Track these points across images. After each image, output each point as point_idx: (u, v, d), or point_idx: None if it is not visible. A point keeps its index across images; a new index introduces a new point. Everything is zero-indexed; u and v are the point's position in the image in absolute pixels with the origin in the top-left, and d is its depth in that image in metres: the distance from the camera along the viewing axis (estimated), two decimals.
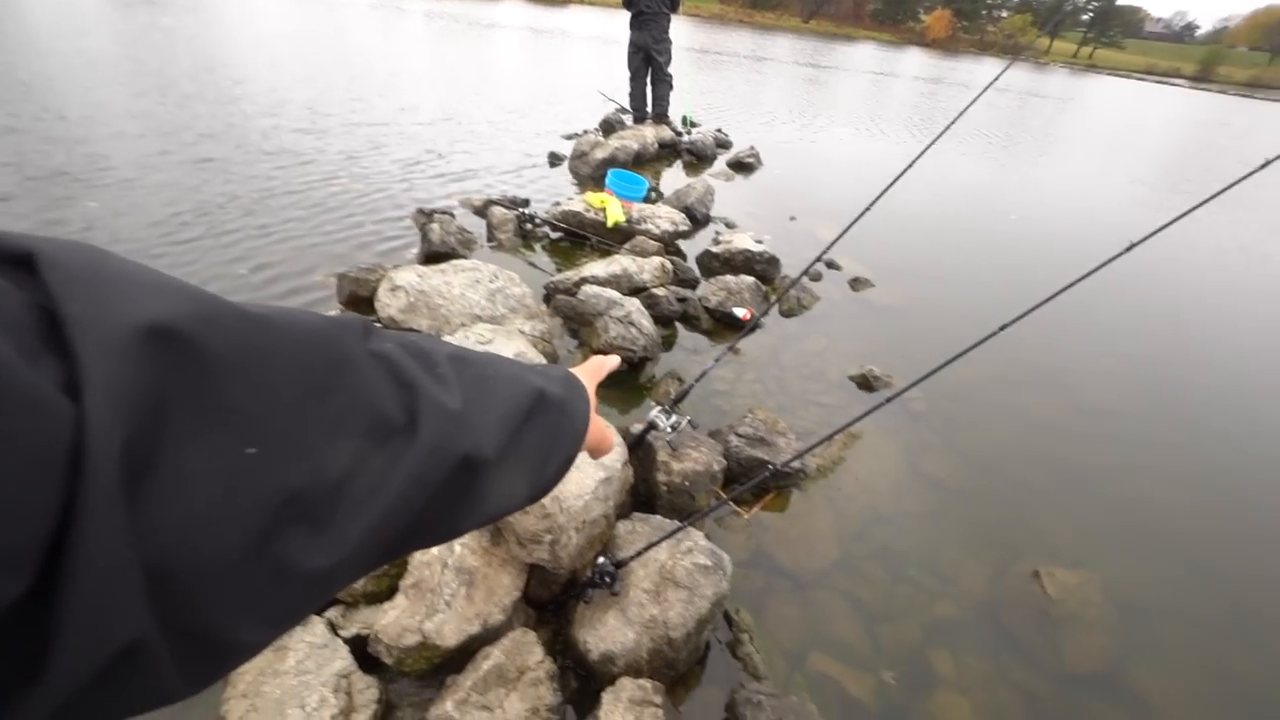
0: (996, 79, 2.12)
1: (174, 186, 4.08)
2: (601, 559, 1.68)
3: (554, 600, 1.78)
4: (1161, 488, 2.73)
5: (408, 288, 2.72)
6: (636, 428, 2.22)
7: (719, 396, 2.82)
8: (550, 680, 1.49)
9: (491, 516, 0.41)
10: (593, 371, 0.61)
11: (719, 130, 8.03)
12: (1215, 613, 2.16)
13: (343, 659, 1.45)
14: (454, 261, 2.98)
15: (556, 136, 6.90)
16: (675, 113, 7.49)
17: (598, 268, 3.34)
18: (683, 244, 4.39)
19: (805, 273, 2.31)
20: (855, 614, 1.94)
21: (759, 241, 4.03)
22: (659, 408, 2.16)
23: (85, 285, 0.22)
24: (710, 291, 3.50)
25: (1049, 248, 5.78)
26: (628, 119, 7.41)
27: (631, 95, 7.15)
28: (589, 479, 1.75)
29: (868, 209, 2.04)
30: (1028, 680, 1.84)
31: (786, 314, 3.67)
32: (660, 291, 3.31)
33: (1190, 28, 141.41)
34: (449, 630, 1.49)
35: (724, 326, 3.39)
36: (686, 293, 3.46)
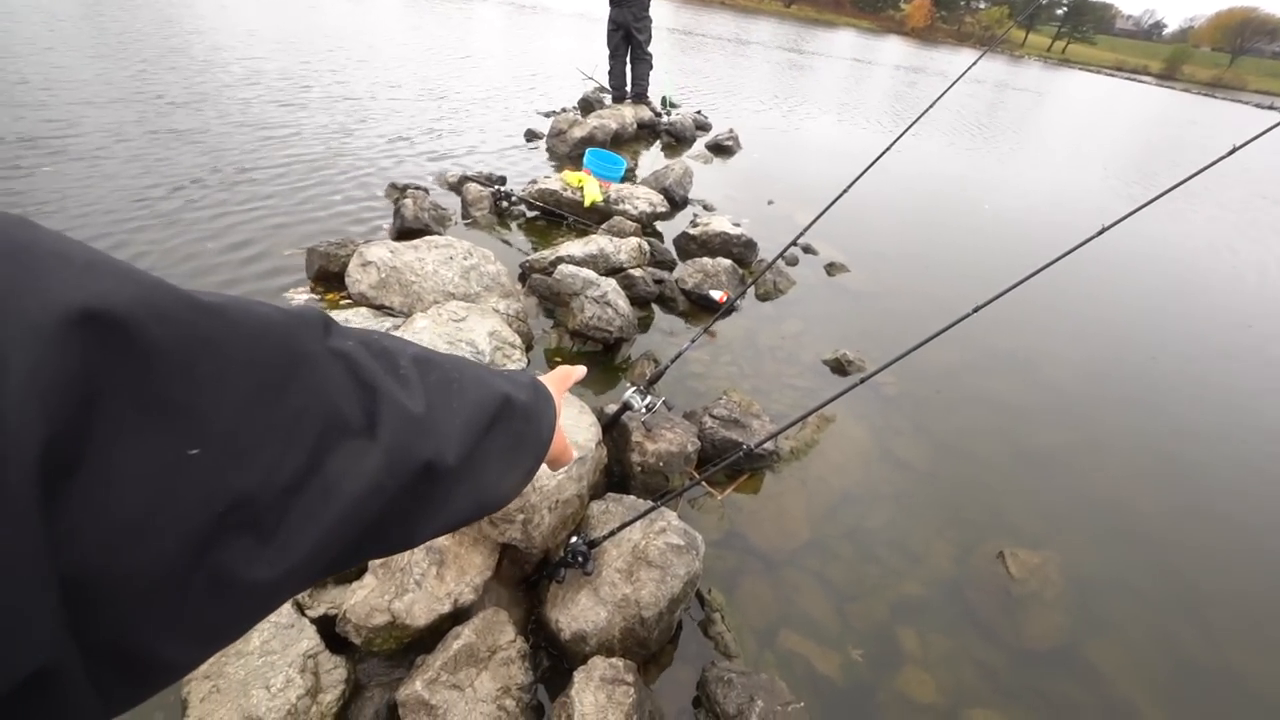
0: (970, 69, 2.13)
1: (144, 157, 3.90)
2: (575, 538, 1.67)
3: (526, 579, 1.77)
4: (1117, 470, 2.82)
5: (379, 263, 2.64)
6: (611, 408, 2.21)
7: (694, 378, 2.82)
8: (522, 659, 1.49)
9: (451, 525, 0.40)
10: (560, 380, 0.60)
11: (698, 112, 7.97)
12: (1162, 589, 2.25)
13: (310, 639, 1.42)
14: (428, 238, 2.91)
15: (534, 114, 6.78)
16: (655, 94, 7.41)
17: (574, 247, 3.30)
18: (660, 225, 4.36)
19: (781, 256, 2.31)
20: (825, 593, 1.98)
21: (736, 225, 4.02)
22: (634, 388, 2.15)
23: (8, 262, 0.20)
24: (687, 273, 3.49)
25: (1022, 236, 5.89)
26: (607, 98, 7.31)
27: (611, 74, 7.04)
28: None
29: (842, 194, 2.05)
30: (989, 657, 1.89)
31: (762, 297, 3.68)
32: (637, 272, 3.28)
33: (1158, 26, 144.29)
34: (419, 610, 1.47)
35: (700, 309, 3.38)
36: (663, 274, 3.45)
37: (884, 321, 3.70)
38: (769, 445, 2.29)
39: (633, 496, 1.94)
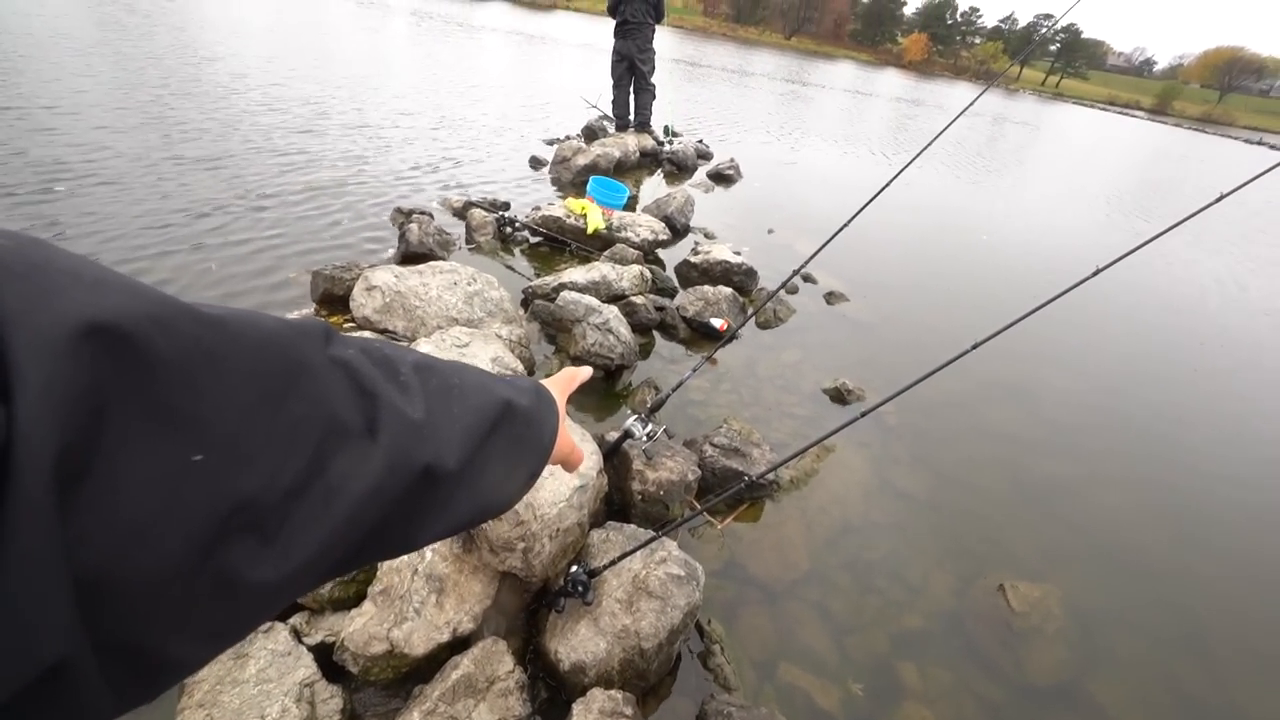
0: (971, 104, 2.19)
1: (164, 182, 3.97)
2: (575, 568, 1.67)
3: (526, 609, 1.76)
4: (1118, 503, 2.82)
5: (384, 288, 2.67)
6: (612, 436, 2.22)
7: (695, 406, 2.83)
8: (520, 691, 1.48)
9: (452, 530, 0.41)
10: (564, 383, 0.60)
11: (700, 141, 8.10)
12: (1164, 623, 2.24)
13: (306, 667, 1.41)
14: (432, 263, 2.95)
15: (539, 141, 6.89)
16: (657, 122, 7.54)
17: (577, 274, 3.33)
18: (662, 253, 4.41)
19: (784, 286, 2.34)
20: (825, 625, 1.96)
21: (737, 253, 4.07)
22: (635, 416, 2.16)
23: (23, 280, 0.21)
24: (688, 301, 3.52)
25: (1020, 267, 5.95)
26: (610, 126, 7.44)
27: (615, 103, 7.19)
28: (564, 486, 1.74)
29: (845, 225, 2.08)
30: (991, 692, 1.87)
31: (763, 325, 3.71)
32: (638, 300, 3.32)
33: (1149, 63, 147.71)
34: (418, 638, 1.46)
35: (701, 336, 3.41)
36: (665, 302, 3.48)
37: (883, 351, 3.73)
38: (770, 475, 2.29)
39: (633, 525, 1.94)
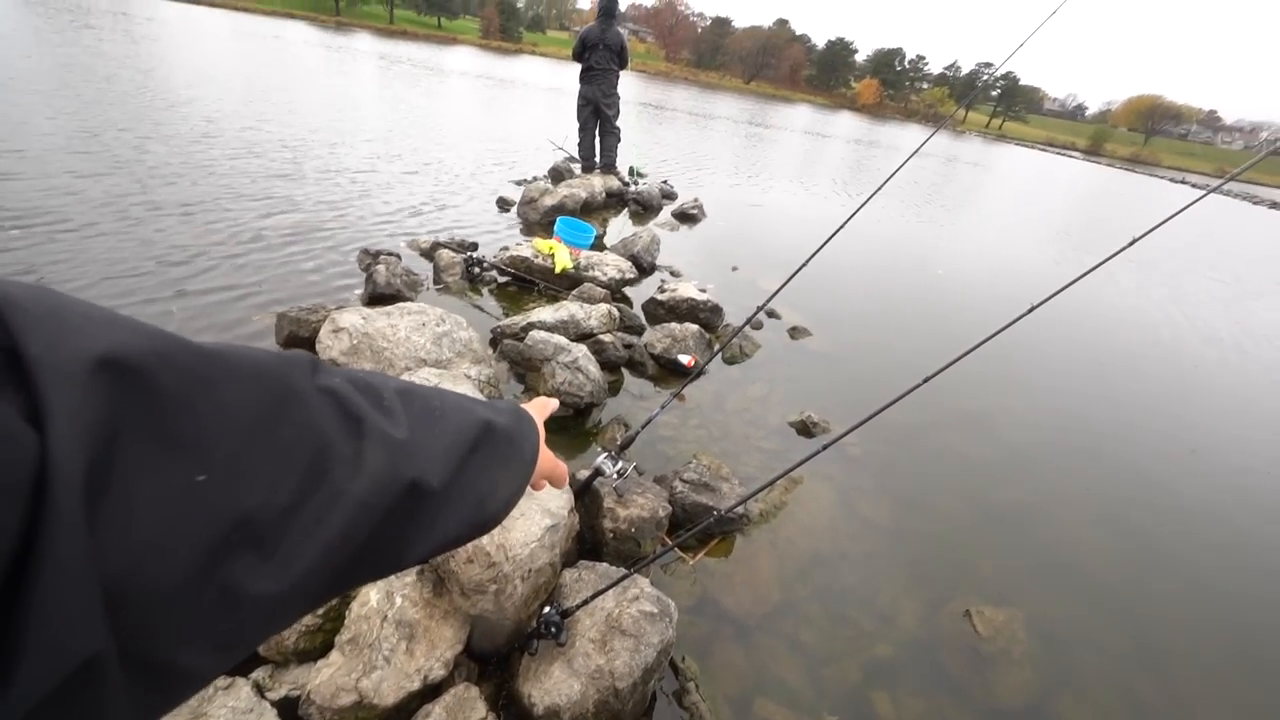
0: (922, 146, 2.33)
1: (132, 227, 3.92)
2: (547, 609, 1.66)
3: (498, 653, 1.73)
4: (1074, 523, 2.93)
5: (351, 329, 2.66)
6: (583, 474, 2.23)
7: (664, 442, 2.86)
8: None
9: (441, 546, 0.43)
10: (540, 408, 0.65)
11: (664, 182, 8.33)
12: (1126, 643, 2.31)
13: None
14: (400, 304, 2.95)
15: (506, 182, 7.00)
16: (623, 164, 7.74)
17: (545, 313, 3.37)
18: (629, 291, 4.49)
19: (749, 322, 2.42)
20: (798, 658, 1.98)
21: (703, 290, 4.17)
22: (605, 454, 2.18)
23: (45, 324, 0.23)
24: (656, 338, 3.58)
25: (973, 299, 6.22)
26: (576, 168, 7.61)
27: (580, 145, 7.37)
28: (535, 526, 1.74)
29: (806, 262, 2.17)
30: (961, 718, 1.90)
31: (729, 361, 3.79)
32: (607, 338, 3.36)
33: (1081, 108, 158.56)
34: (387, 688, 1.43)
35: (669, 373, 3.46)
36: (632, 339, 3.53)
37: (846, 383, 3.83)
38: (739, 509, 2.32)
39: (605, 564, 1.94)
